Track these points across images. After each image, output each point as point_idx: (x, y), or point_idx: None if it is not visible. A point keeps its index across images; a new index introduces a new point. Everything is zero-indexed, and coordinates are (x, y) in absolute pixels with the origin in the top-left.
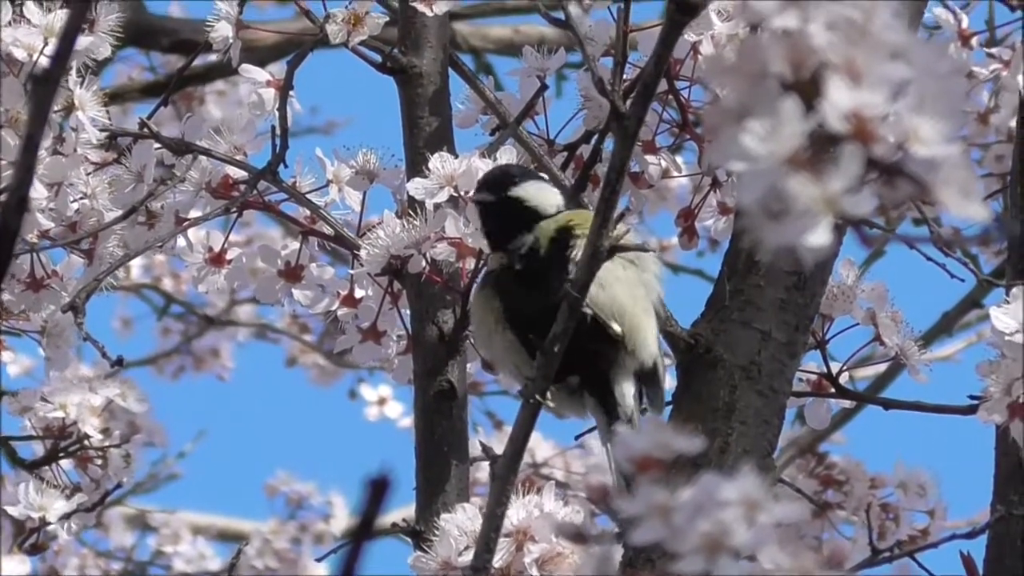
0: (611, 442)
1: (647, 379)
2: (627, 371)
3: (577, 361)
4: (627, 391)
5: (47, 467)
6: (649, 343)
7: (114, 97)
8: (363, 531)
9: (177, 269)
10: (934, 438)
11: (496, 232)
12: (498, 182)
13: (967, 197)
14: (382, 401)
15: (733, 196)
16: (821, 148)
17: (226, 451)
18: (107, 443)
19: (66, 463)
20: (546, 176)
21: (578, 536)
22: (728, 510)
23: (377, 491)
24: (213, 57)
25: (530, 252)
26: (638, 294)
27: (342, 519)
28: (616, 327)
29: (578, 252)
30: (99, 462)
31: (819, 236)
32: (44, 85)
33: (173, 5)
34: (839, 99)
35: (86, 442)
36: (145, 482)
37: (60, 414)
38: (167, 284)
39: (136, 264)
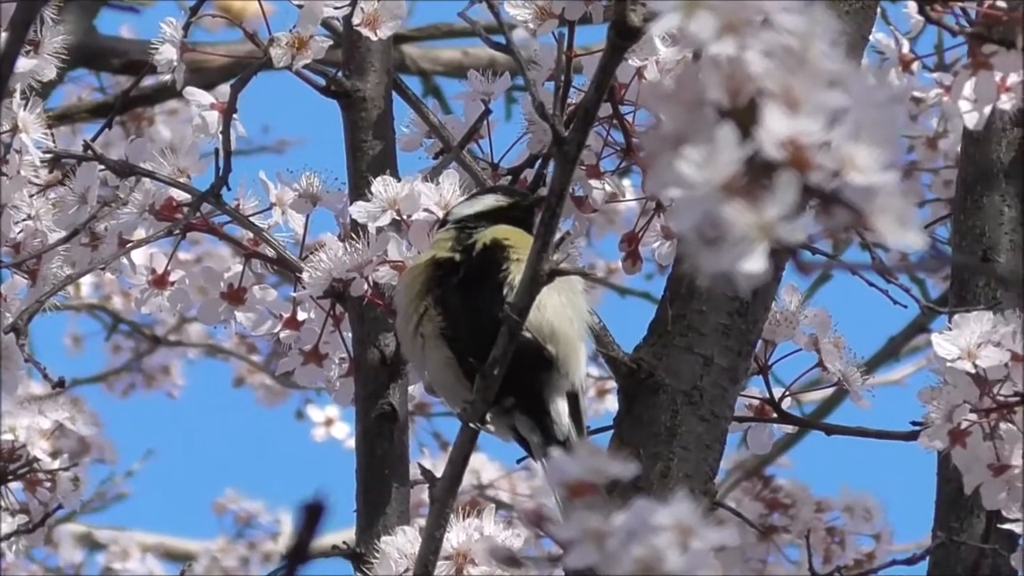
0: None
1: (572, 402)
2: (560, 391)
3: (509, 382)
4: (562, 410)
5: None
6: (580, 366)
7: (63, 118)
8: (297, 555)
9: (127, 288)
10: (881, 463)
11: (481, 215)
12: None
13: (903, 225)
14: (329, 422)
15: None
16: (757, 175)
17: (175, 469)
18: (56, 466)
19: (15, 485)
20: None
21: (512, 560)
22: (661, 535)
23: (312, 516)
24: (163, 77)
25: (468, 248)
26: (572, 316)
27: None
28: (551, 348)
29: (514, 275)
30: (48, 485)
31: (755, 263)
32: None
33: (124, 26)
34: (775, 126)
35: (35, 465)
36: (94, 500)
37: (9, 437)
38: (117, 302)
39: (86, 282)
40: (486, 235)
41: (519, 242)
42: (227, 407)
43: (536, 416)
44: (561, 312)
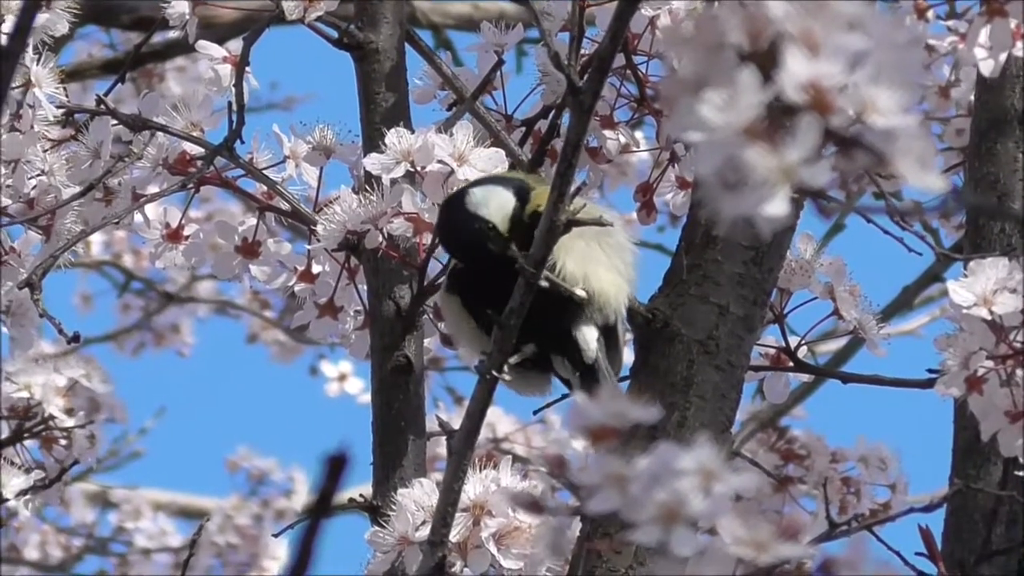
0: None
1: (608, 334)
2: (588, 320)
3: (541, 330)
4: (589, 336)
5: (11, 447)
6: (617, 299)
7: (74, 74)
8: (320, 508)
9: (137, 245)
10: (896, 412)
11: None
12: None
13: (924, 168)
14: (343, 377)
15: (692, 170)
16: (778, 119)
17: (187, 427)
18: (71, 423)
19: (30, 443)
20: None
21: (534, 506)
22: (684, 479)
23: (335, 468)
24: (173, 34)
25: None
26: (599, 256)
27: (304, 495)
28: (580, 292)
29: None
30: (63, 442)
31: (776, 206)
32: (4, 61)
33: None
34: (796, 69)
35: (51, 423)
36: (106, 459)
37: (25, 394)
38: (127, 260)
39: (96, 240)
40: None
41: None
42: (238, 364)
43: (563, 349)
44: (588, 251)
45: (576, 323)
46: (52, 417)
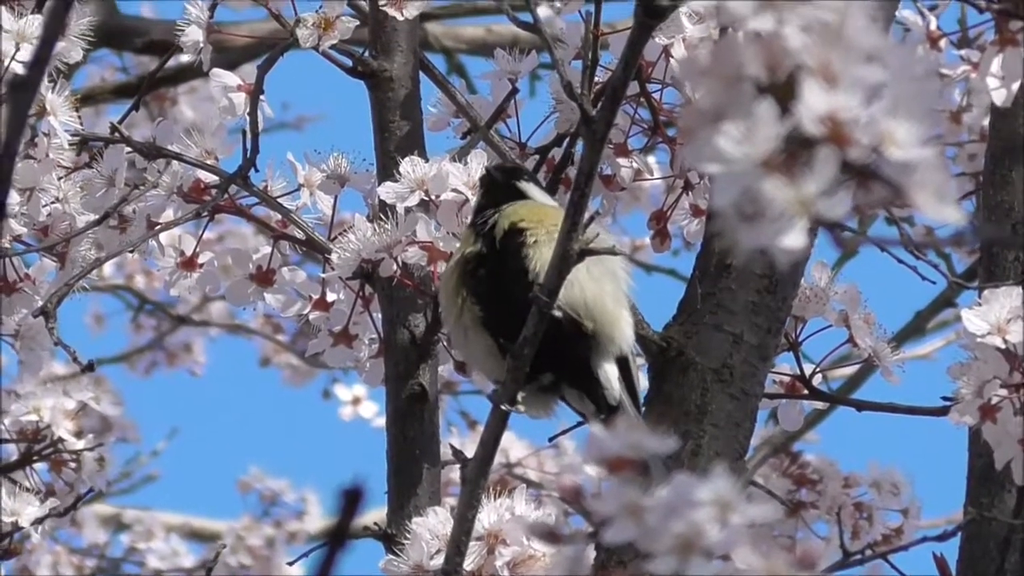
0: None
1: (622, 366)
2: (607, 357)
3: (554, 358)
4: (611, 374)
5: (21, 470)
6: (625, 331)
7: (87, 98)
8: (336, 541)
9: (150, 267)
10: (909, 437)
11: (483, 206)
12: (511, 172)
13: (942, 200)
14: (356, 401)
15: (705, 198)
16: (796, 151)
17: (199, 448)
18: (81, 446)
19: (40, 465)
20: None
21: (551, 535)
22: (701, 510)
23: (351, 501)
24: (185, 57)
25: (489, 232)
26: (606, 288)
27: (316, 517)
28: (589, 324)
29: (535, 260)
30: (73, 465)
31: (794, 238)
32: (22, 91)
33: (145, 6)
34: (814, 102)
35: (60, 446)
36: (119, 480)
37: (34, 417)
38: (139, 281)
39: (109, 262)
40: (502, 222)
41: (534, 219)
42: (251, 384)
43: (584, 385)
44: (596, 283)
45: (595, 359)
46: (61, 440)
